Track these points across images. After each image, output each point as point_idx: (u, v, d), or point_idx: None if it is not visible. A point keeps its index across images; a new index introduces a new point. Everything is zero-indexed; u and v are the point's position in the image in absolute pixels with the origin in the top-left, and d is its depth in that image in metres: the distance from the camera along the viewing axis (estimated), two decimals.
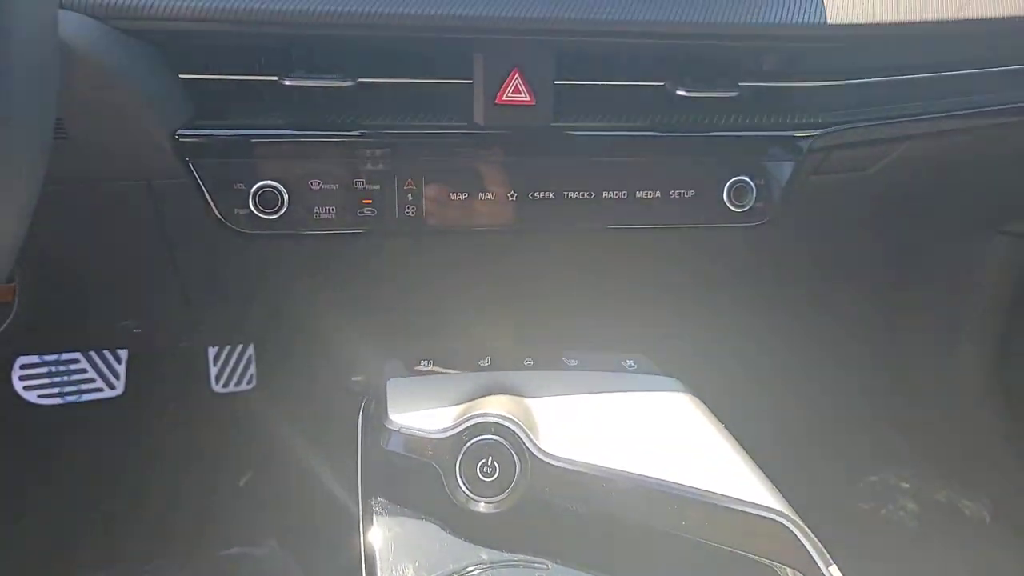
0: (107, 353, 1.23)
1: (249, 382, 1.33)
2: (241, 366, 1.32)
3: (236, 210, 0.64)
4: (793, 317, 1.13)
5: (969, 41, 0.76)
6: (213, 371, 1.32)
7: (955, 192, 1.00)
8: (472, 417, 0.58)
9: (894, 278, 1.33)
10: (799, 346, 1.18)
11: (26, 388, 1.21)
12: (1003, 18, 0.75)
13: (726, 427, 0.64)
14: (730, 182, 0.72)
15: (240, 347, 1.28)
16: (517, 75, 0.67)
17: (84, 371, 1.23)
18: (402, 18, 0.62)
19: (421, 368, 0.67)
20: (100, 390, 1.24)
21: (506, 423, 0.57)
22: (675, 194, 0.72)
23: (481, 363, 0.68)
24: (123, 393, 1.25)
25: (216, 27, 0.59)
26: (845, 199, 0.85)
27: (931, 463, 1.32)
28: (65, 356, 1.21)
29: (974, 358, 1.37)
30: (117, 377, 1.24)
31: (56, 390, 1.22)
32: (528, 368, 0.68)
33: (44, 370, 1.21)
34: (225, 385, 1.32)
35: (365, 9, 0.61)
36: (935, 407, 1.37)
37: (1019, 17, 0.75)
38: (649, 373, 0.68)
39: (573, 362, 0.69)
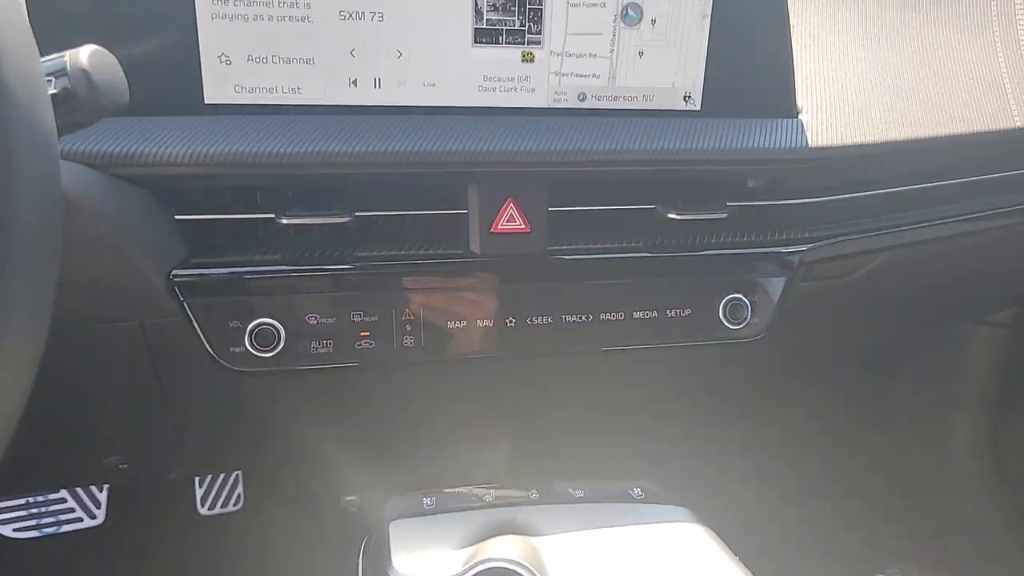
0: None
1: (236, 503, 1.29)
2: (228, 487, 1.28)
3: (231, 348, 0.63)
4: (786, 423, 1.13)
5: (948, 152, 0.78)
6: (199, 493, 1.28)
7: (938, 288, 1.02)
8: (480, 562, 0.56)
9: (882, 374, 1.34)
10: (795, 451, 1.18)
11: (0, 522, 1.16)
12: (973, 133, 0.78)
13: (738, 556, 0.62)
14: (725, 299, 0.73)
15: None
16: (512, 204, 0.68)
17: (63, 501, 1.19)
18: (401, 155, 0.63)
19: (424, 506, 0.65)
20: (80, 520, 1.19)
21: (516, 568, 0.55)
22: (672, 313, 0.72)
23: (485, 498, 0.66)
24: (104, 522, 1.20)
25: (214, 171, 0.59)
26: (831, 303, 0.86)
27: (931, 556, 1.30)
28: None
29: (966, 447, 1.37)
30: (98, 506, 1.20)
31: (33, 522, 1.17)
32: (534, 502, 0.66)
33: (20, 502, 1.17)
34: (211, 507, 1.27)
35: (365, 148, 0.62)
36: (931, 499, 1.36)
37: (991, 132, 0.78)
38: (657, 502, 0.67)
39: (579, 493, 0.67)
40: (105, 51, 0.44)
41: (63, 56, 0.44)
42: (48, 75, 0.44)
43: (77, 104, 0.43)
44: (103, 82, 0.43)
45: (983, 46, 0.85)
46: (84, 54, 0.43)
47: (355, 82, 0.67)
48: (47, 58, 0.44)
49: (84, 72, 0.43)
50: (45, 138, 0.37)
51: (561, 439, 0.85)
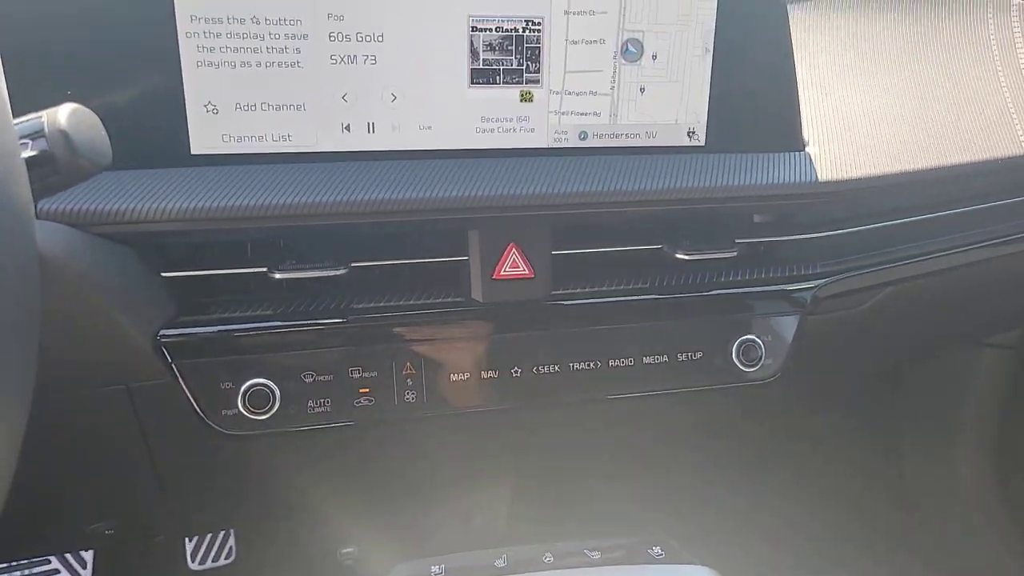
0: None
1: (228, 556, 1.24)
2: (219, 541, 1.24)
3: (223, 411, 0.60)
4: (800, 462, 1.10)
5: (957, 181, 0.77)
6: (189, 547, 1.23)
7: (943, 312, 1.01)
8: None
9: (887, 399, 1.32)
10: (807, 486, 1.15)
11: None
12: (982, 161, 0.77)
13: None
14: (738, 341, 0.70)
15: None
16: (514, 249, 0.65)
17: (47, 562, 1.14)
18: (399, 204, 0.60)
19: (432, 574, 0.61)
20: None
21: None
22: (683, 357, 0.69)
23: (497, 563, 0.63)
24: None
25: (203, 226, 0.56)
26: (838, 335, 0.84)
27: None
28: None
29: (972, 471, 1.35)
30: (84, 566, 1.15)
31: None
32: (549, 566, 0.63)
33: (2, 565, 1.12)
34: (202, 562, 1.23)
35: (360, 197, 0.60)
36: (940, 524, 1.34)
37: (999, 159, 0.77)
38: (679, 562, 0.64)
39: (596, 555, 0.64)
40: (86, 110, 0.41)
41: (40, 116, 0.41)
42: (24, 137, 0.41)
43: (56, 167, 0.40)
44: (83, 143, 0.40)
45: (984, 71, 0.84)
46: (63, 114, 0.40)
47: (348, 127, 0.64)
48: (23, 118, 0.41)
49: (63, 133, 0.40)
50: (18, 205, 0.34)
51: (571, 491, 0.82)
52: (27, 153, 0.41)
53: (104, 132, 0.42)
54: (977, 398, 1.29)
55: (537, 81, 0.67)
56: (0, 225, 0.31)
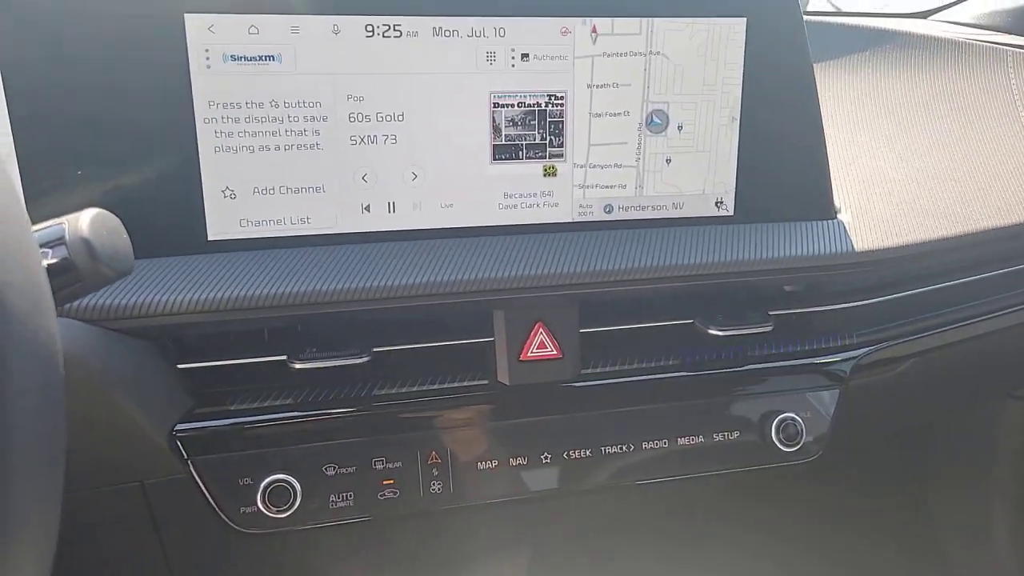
0: None
1: None
2: None
3: (242, 509, 0.57)
4: (834, 529, 1.05)
5: (992, 244, 0.74)
6: None
7: (980, 371, 0.97)
8: None
9: (919, 459, 1.28)
10: (843, 560, 1.10)
11: None
12: (1019, 224, 0.74)
13: None
14: (776, 420, 0.67)
15: None
16: (541, 329, 0.63)
17: None
18: (422, 288, 0.58)
19: None
20: None
21: None
22: (719, 437, 0.66)
23: None
24: None
25: (221, 317, 0.54)
26: (875, 403, 0.81)
27: None
28: None
29: (1008, 532, 1.30)
30: None
31: None
32: None
33: None
34: None
35: (382, 283, 0.58)
36: None
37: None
38: None
39: None
40: (108, 215, 0.39)
41: (61, 223, 0.40)
42: (44, 245, 0.39)
43: (77, 275, 0.39)
44: (105, 251, 0.38)
45: (1011, 127, 0.82)
46: (84, 220, 0.39)
47: (368, 207, 0.63)
48: (43, 225, 0.40)
49: (84, 241, 0.38)
50: (41, 316, 0.31)
51: None
52: (47, 261, 0.39)
53: (127, 237, 0.40)
54: (1008, 451, 1.25)
55: (561, 155, 0.65)
56: (26, 349, 0.29)
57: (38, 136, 0.54)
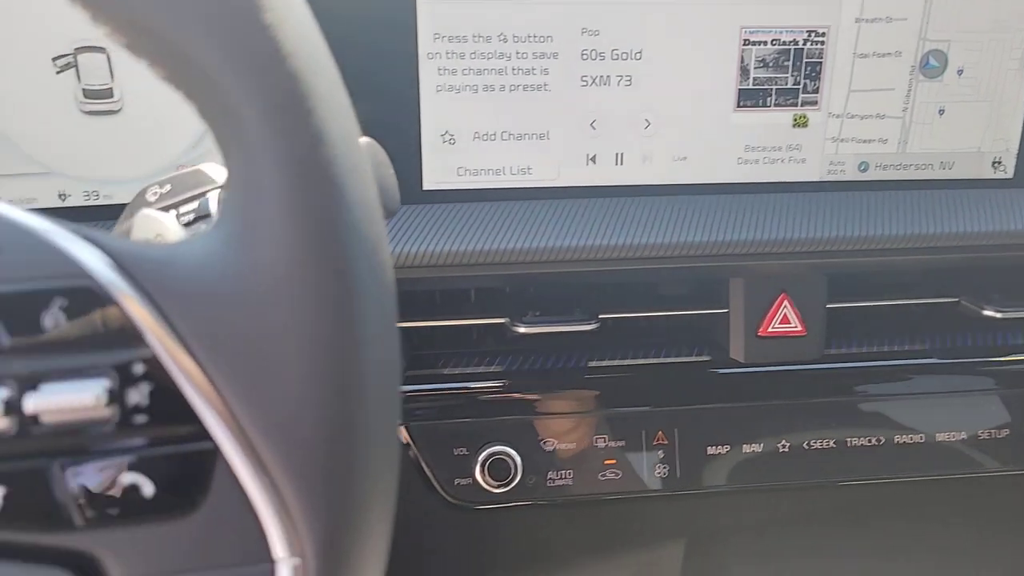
0: None
1: None
2: None
3: (457, 480, 0.53)
4: None
5: None
6: None
7: None
8: None
9: None
10: None
11: None
12: None
13: None
14: None
15: None
16: (785, 302, 0.56)
17: None
18: (656, 248, 0.52)
19: None
20: None
21: None
22: (984, 434, 0.57)
23: None
24: None
25: (438, 273, 0.50)
26: None
27: None
28: None
29: None
30: None
31: None
32: None
33: None
34: None
35: (613, 242, 0.51)
36: None
37: None
38: None
39: None
40: (378, 145, 0.34)
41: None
42: None
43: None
44: (385, 183, 0.33)
45: None
46: (373, 148, 0.33)
47: (593, 159, 0.56)
48: None
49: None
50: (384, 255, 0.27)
51: None
52: None
53: (393, 172, 0.35)
54: None
55: (814, 103, 0.57)
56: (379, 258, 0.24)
57: None
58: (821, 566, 0.62)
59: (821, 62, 0.56)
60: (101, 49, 0.49)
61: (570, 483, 0.54)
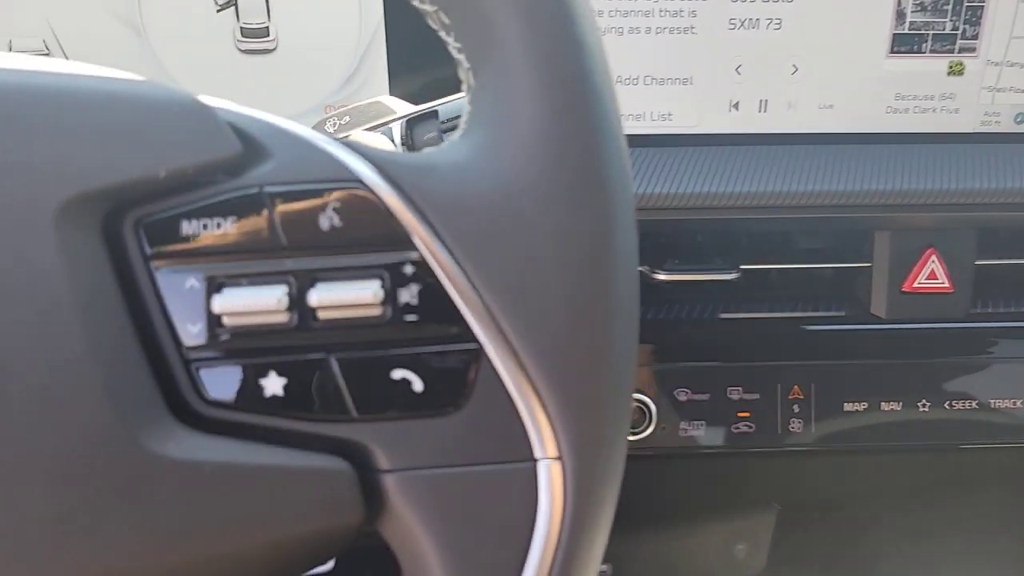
0: None
1: None
2: None
3: None
4: None
5: None
6: None
7: None
8: None
9: None
10: None
11: None
12: None
13: None
14: None
15: None
16: (934, 257, 0.54)
17: None
18: (799, 197, 0.50)
19: None
20: None
21: None
22: None
23: None
24: None
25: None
26: None
27: None
28: None
29: None
30: None
31: None
32: None
33: None
34: None
35: (756, 189, 0.50)
36: None
37: None
38: None
39: None
40: None
41: None
42: None
43: None
44: None
45: None
46: None
47: (736, 105, 0.55)
48: None
49: None
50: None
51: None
52: None
53: None
54: None
55: (973, 49, 0.54)
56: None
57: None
58: (961, 537, 0.60)
59: (983, 6, 0.53)
60: None
61: (702, 434, 0.54)
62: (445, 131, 0.37)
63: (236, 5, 0.49)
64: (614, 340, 0.23)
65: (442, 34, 0.25)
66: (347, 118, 0.38)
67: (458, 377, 0.22)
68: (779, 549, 0.70)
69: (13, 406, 0.20)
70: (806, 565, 0.72)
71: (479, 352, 0.22)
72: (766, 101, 0.55)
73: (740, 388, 0.54)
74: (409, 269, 0.22)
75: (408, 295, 0.22)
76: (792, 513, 0.64)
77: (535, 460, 0.22)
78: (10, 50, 0.50)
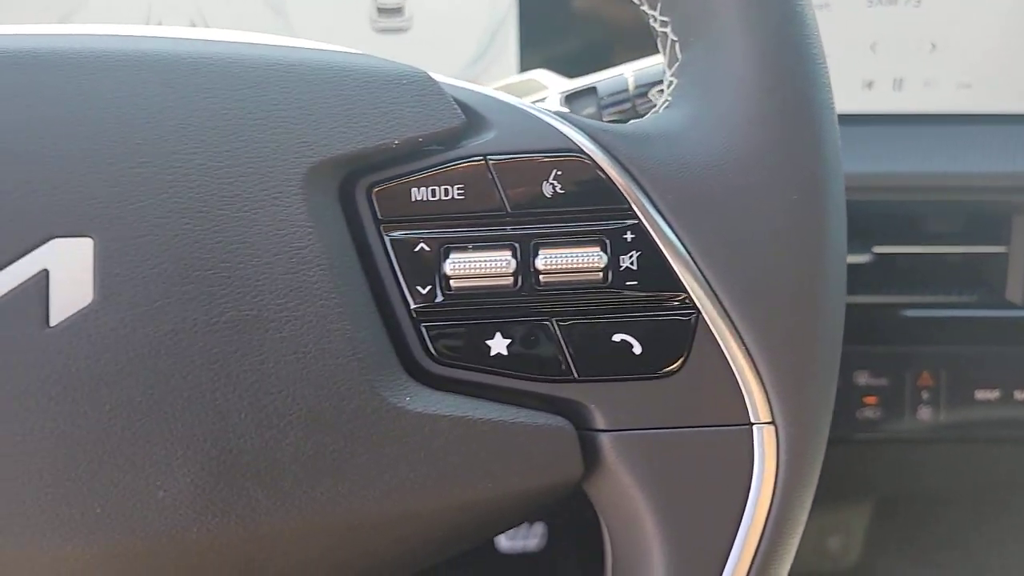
0: None
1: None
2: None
3: None
4: None
5: None
6: None
7: None
8: None
9: None
10: None
11: None
12: None
13: None
14: None
15: None
16: None
17: None
18: (935, 179, 0.49)
19: None
20: None
21: None
22: None
23: None
24: None
25: None
26: None
27: None
28: None
29: None
30: None
31: None
32: None
33: None
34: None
35: (890, 169, 0.49)
36: None
37: None
38: None
39: None
40: None
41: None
42: None
43: None
44: None
45: None
46: None
47: (870, 84, 0.54)
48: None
49: None
50: None
51: None
52: None
53: None
54: None
55: None
56: None
57: None
58: None
59: None
60: None
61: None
62: (605, 107, 0.38)
63: None
64: (826, 309, 0.23)
65: (646, 8, 0.25)
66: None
67: (676, 341, 0.23)
68: (875, 542, 0.69)
69: (268, 356, 0.21)
70: (902, 560, 0.71)
71: (696, 317, 0.23)
72: (902, 80, 0.53)
73: (867, 372, 0.53)
74: (629, 236, 0.23)
75: (628, 261, 0.22)
76: (890, 505, 0.62)
77: (750, 424, 0.23)
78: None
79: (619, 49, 0.55)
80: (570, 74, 0.45)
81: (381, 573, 0.24)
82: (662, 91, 0.33)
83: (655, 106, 0.32)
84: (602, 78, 0.37)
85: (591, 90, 0.37)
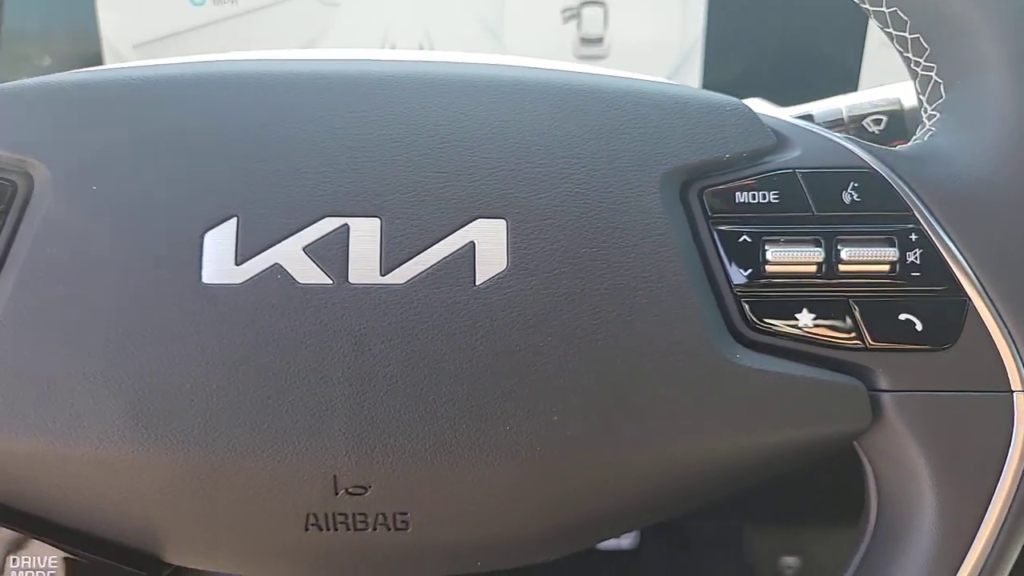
0: None
1: None
2: None
3: None
4: None
5: None
6: None
7: None
8: None
9: None
10: None
11: None
12: None
13: None
14: None
15: None
16: None
17: None
18: None
19: None
20: None
21: None
22: None
23: None
24: None
25: None
26: None
27: None
28: None
29: None
30: None
31: None
32: None
33: None
34: None
35: None
36: None
37: None
38: None
39: None
40: None
41: None
42: None
43: None
44: None
45: None
46: None
47: None
48: None
49: None
50: None
51: None
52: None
53: None
54: None
55: None
56: None
57: None
58: None
59: None
60: (601, 3, 0.57)
61: None
62: None
63: (579, 17, 0.57)
64: None
65: (911, 55, 0.31)
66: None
67: (950, 321, 0.28)
68: None
69: (635, 315, 0.27)
70: None
71: (967, 303, 0.28)
72: None
73: None
74: (912, 237, 0.29)
75: (912, 256, 0.29)
76: None
77: (1011, 392, 0.28)
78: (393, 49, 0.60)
79: (784, 72, 0.61)
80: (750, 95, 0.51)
81: (682, 501, 0.31)
82: (878, 121, 0.38)
83: (872, 132, 0.38)
84: (816, 110, 0.43)
85: (808, 117, 0.43)
